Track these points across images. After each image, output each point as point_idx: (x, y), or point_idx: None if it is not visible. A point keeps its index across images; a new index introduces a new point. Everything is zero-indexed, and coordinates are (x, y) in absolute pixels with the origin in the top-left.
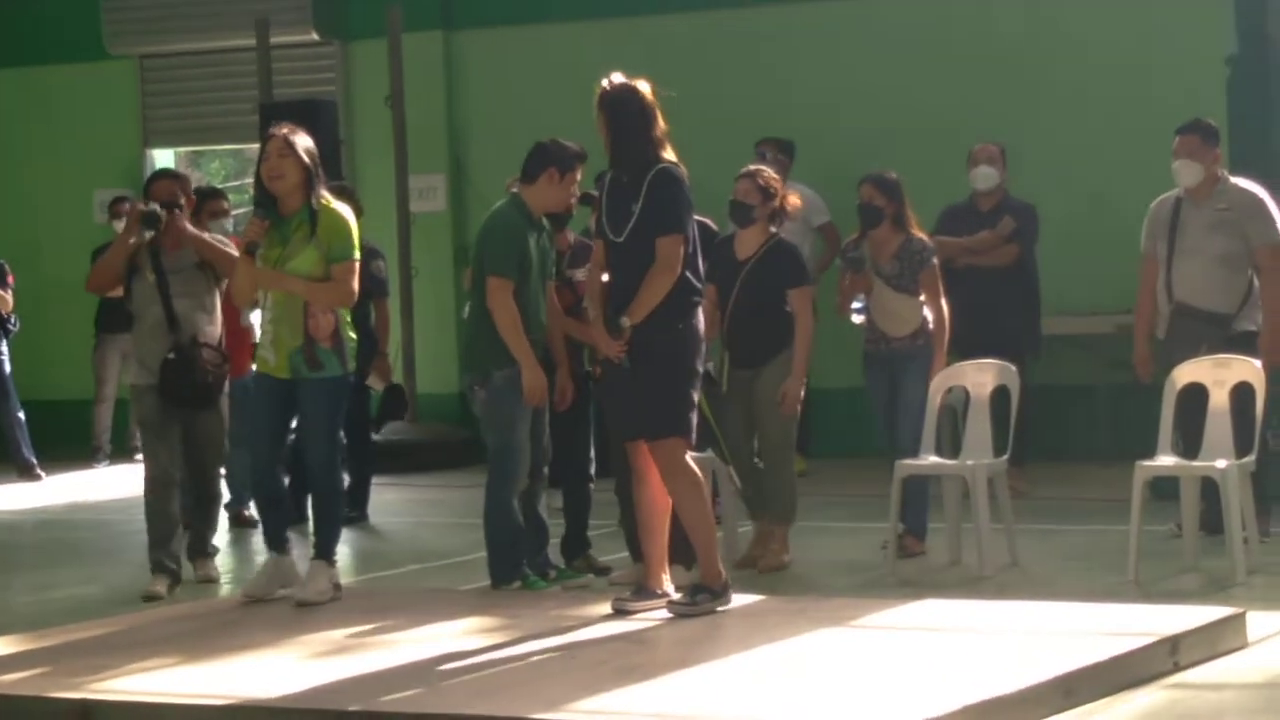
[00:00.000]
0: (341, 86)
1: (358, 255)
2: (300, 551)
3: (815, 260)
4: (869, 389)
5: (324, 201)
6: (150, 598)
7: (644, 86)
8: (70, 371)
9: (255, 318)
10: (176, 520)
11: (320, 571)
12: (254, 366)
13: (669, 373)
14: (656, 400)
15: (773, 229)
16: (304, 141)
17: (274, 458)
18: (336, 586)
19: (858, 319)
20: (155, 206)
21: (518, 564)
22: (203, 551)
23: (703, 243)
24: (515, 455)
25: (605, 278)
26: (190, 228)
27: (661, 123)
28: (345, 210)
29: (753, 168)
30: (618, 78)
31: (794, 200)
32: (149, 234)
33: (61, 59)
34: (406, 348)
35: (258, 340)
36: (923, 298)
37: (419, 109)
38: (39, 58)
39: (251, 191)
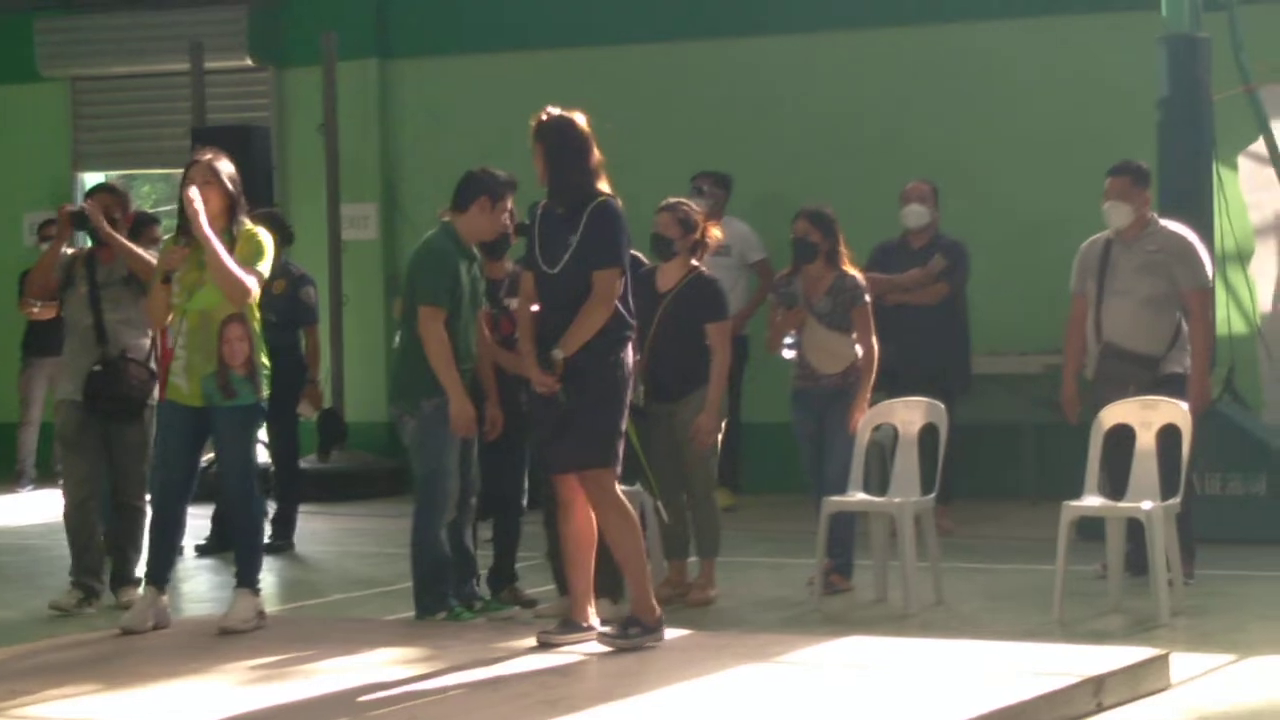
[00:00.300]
0: (275, 113)
1: (264, 271)
2: (223, 579)
3: (749, 297)
4: (795, 425)
5: (245, 228)
6: (55, 607)
7: (580, 118)
8: None
9: None
10: (95, 536)
11: (243, 599)
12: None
13: (599, 405)
14: (586, 432)
15: (694, 262)
16: (227, 168)
17: (184, 492)
18: (261, 614)
19: (788, 354)
20: (83, 205)
21: (443, 595)
22: (126, 578)
23: (632, 277)
24: (443, 485)
25: (534, 309)
26: (115, 234)
27: (598, 154)
28: (264, 235)
29: (673, 200)
30: (554, 110)
31: (715, 234)
32: (84, 239)
33: None
34: (336, 376)
35: (172, 366)
36: (854, 335)
37: (352, 137)
38: None
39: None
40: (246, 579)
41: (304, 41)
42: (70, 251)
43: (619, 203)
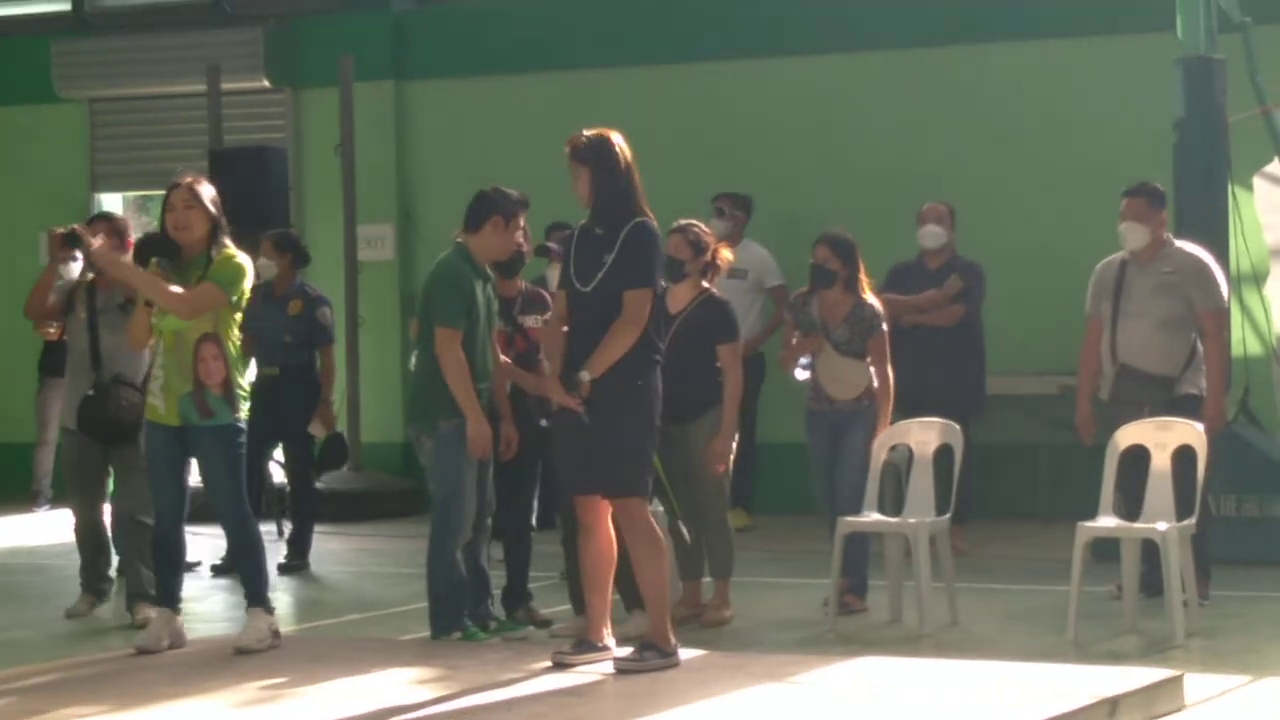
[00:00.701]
0: (292, 134)
1: (232, 295)
2: (237, 598)
3: (765, 322)
4: (810, 446)
5: (225, 251)
6: (70, 615)
7: (618, 137)
8: (13, 414)
9: None
10: (104, 546)
11: (256, 618)
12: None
13: (629, 430)
14: (618, 458)
15: (705, 284)
16: (209, 192)
17: (179, 512)
18: (275, 633)
19: (802, 375)
20: (73, 227)
21: (458, 615)
22: (141, 594)
23: None
24: (460, 506)
25: (564, 329)
26: (101, 250)
27: (638, 175)
28: (244, 259)
29: (684, 222)
30: (590, 131)
31: (726, 255)
32: (80, 262)
33: (10, 101)
34: (351, 397)
35: (149, 387)
36: (870, 363)
37: (369, 158)
38: None
39: None
40: (256, 598)
41: (321, 63)
42: (74, 277)
43: (655, 224)
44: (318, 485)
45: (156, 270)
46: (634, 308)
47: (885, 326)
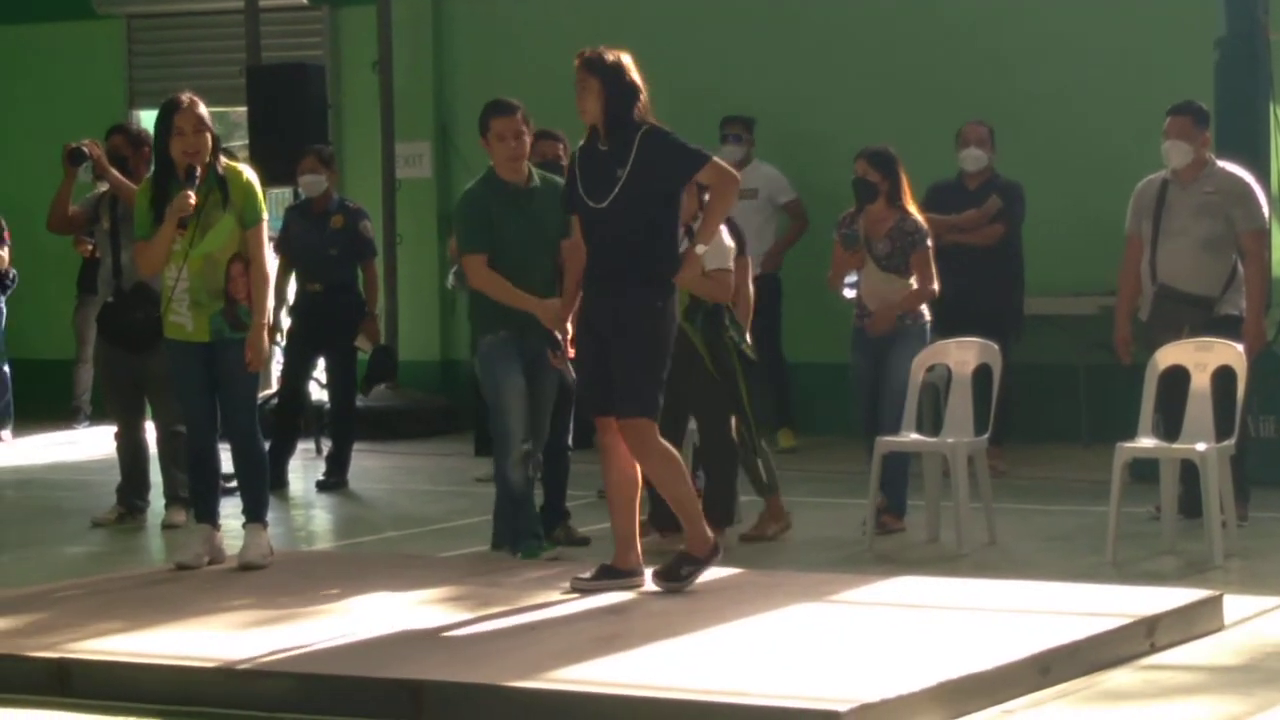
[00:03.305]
0: (329, 51)
1: (265, 215)
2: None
3: (781, 237)
4: (852, 365)
5: (236, 173)
6: (95, 523)
7: (629, 58)
8: (53, 332)
9: None
10: (141, 457)
11: (257, 534)
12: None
13: (645, 352)
14: (630, 380)
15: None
16: (205, 110)
17: (210, 428)
18: (270, 550)
19: (849, 294)
20: (81, 144)
21: (506, 530)
22: (174, 498)
23: None
24: (502, 422)
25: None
26: (110, 169)
27: (646, 97)
28: (249, 171)
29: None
30: (603, 48)
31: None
32: (90, 173)
33: (49, 18)
34: (390, 315)
35: (169, 307)
36: (914, 279)
37: (407, 75)
38: (25, 15)
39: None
40: (257, 514)
41: None
42: (102, 189)
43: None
44: (360, 402)
45: (186, 194)
46: (719, 172)
47: (930, 242)
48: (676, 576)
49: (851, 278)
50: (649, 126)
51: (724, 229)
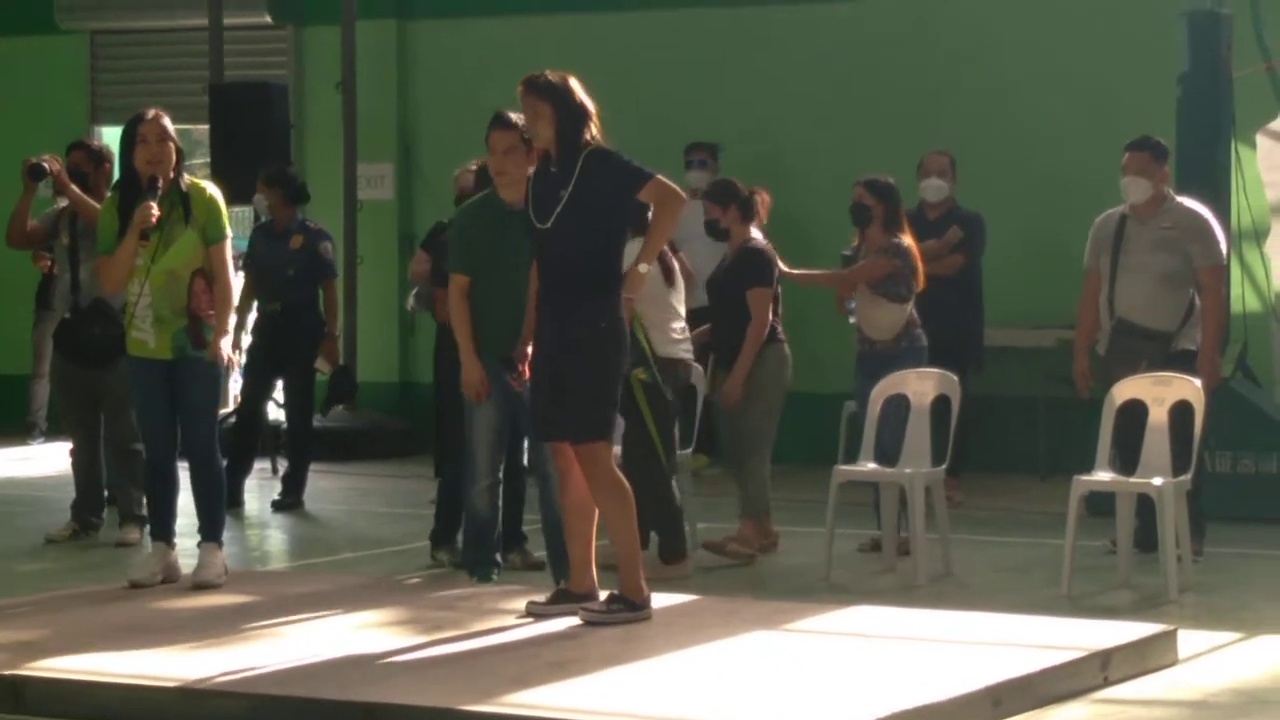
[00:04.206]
0: (293, 70)
1: (229, 232)
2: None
3: None
4: (857, 389)
5: (199, 188)
6: (49, 539)
7: (575, 82)
8: (10, 347)
9: None
10: (96, 474)
11: (213, 553)
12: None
13: (592, 373)
14: (579, 403)
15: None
16: (170, 124)
17: (170, 446)
18: (225, 569)
19: (852, 319)
20: (42, 159)
21: (469, 555)
22: (130, 515)
23: None
24: (472, 450)
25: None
26: (71, 186)
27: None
28: (213, 188)
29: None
30: (549, 72)
31: (767, 198)
32: (50, 189)
33: (11, 32)
34: (349, 336)
35: (131, 323)
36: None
37: (370, 97)
38: None
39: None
40: (214, 533)
41: (324, 0)
42: (62, 205)
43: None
44: (317, 423)
45: (149, 206)
46: (661, 188)
47: (919, 279)
48: (605, 610)
49: (851, 303)
50: (594, 147)
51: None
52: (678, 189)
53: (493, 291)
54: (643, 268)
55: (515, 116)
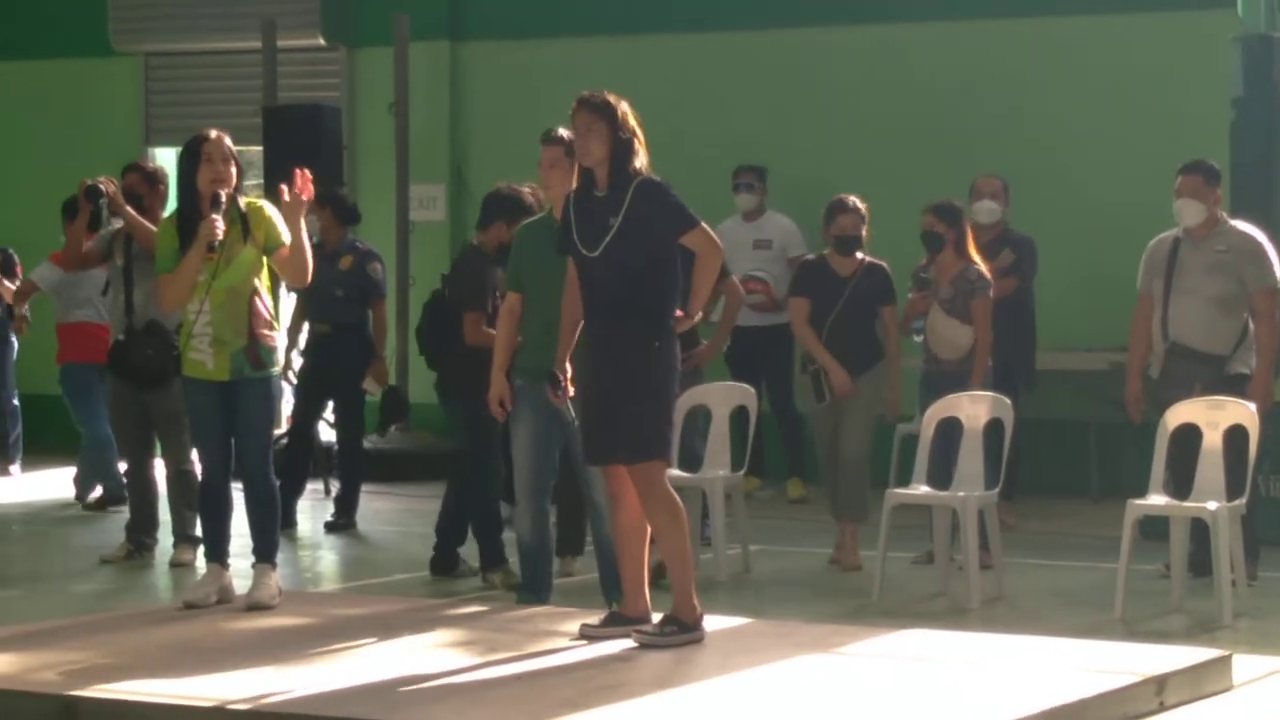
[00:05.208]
0: (346, 92)
1: (289, 239)
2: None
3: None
4: (920, 408)
5: (251, 202)
6: (103, 560)
7: (627, 104)
8: None
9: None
10: (150, 495)
11: (267, 574)
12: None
13: (646, 395)
14: (634, 423)
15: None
16: (232, 143)
17: (226, 467)
18: (280, 590)
19: (917, 338)
20: (98, 181)
21: (525, 581)
22: (184, 536)
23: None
24: (515, 474)
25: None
26: (126, 207)
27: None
28: (270, 206)
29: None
30: (605, 92)
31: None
32: (105, 210)
33: (66, 53)
34: (400, 357)
35: (189, 344)
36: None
37: (422, 118)
38: (43, 51)
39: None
40: (268, 555)
41: (376, 22)
42: (116, 227)
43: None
44: (366, 444)
45: (214, 219)
46: (704, 241)
47: (990, 292)
48: (658, 633)
49: (917, 323)
50: (644, 178)
51: None
52: (718, 241)
53: (540, 306)
54: (696, 319)
55: (563, 132)
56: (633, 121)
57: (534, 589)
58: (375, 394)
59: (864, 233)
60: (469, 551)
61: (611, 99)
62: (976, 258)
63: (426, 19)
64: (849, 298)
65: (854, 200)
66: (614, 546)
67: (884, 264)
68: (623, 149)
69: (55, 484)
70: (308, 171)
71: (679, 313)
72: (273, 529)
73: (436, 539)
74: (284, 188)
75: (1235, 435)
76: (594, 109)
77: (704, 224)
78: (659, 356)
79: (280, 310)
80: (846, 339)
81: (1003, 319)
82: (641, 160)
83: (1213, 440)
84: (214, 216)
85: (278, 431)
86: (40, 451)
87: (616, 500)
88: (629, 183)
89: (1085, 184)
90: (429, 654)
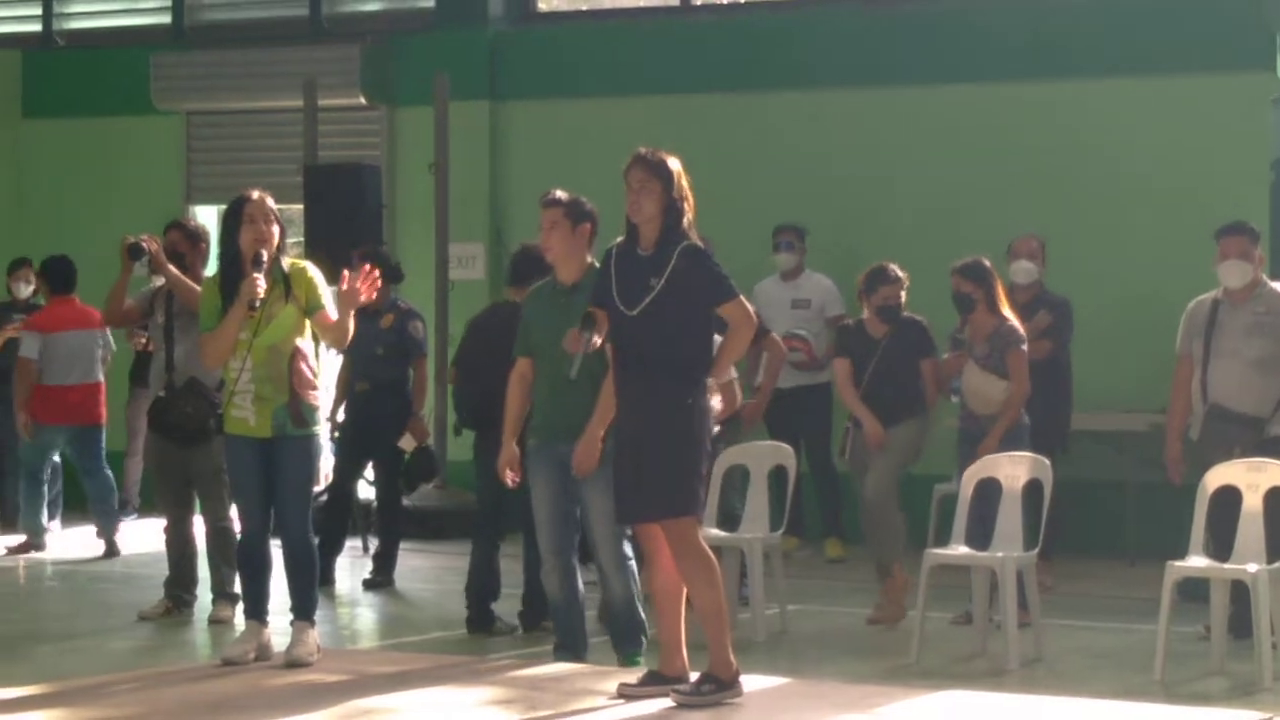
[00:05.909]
0: (386, 151)
1: (329, 301)
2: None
3: (829, 348)
4: (960, 465)
5: (298, 267)
6: (142, 616)
7: (679, 165)
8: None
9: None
10: (189, 551)
11: (305, 631)
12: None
13: (677, 450)
14: (667, 479)
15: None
16: (274, 203)
17: (265, 524)
18: (317, 648)
19: (954, 398)
20: (140, 239)
21: (562, 635)
22: (222, 593)
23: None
24: (537, 533)
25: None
26: (169, 266)
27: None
28: (313, 268)
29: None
30: (659, 151)
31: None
32: (146, 267)
33: (109, 112)
34: (439, 415)
35: (231, 402)
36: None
37: (462, 177)
38: (86, 109)
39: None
40: (306, 612)
41: (416, 81)
42: (158, 284)
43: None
44: (404, 502)
45: (256, 278)
46: (740, 313)
47: (1025, 346)
48: (697, 694)
49: (954, 382)
50: (689, 244)
51: None
52: (753, 316)
53: (544, 371)
54: (718, 380)
55: (560, 194)
56: (685, 183)
57: (570, 646)
58: (409, 452)
59: (903, 299)
60: (506, 608)
61: (668, 159)
62: (1009, 313)
63: (466, 79)
64: (882, 354)
65: (894, 269)
66: (625, 606)
67: (920, 319)
68: (674, 210)
69: (95, 541)
70: (377, 273)
71: None
72: (311, 586)
73: (467, 598)
74: (346, 274)
75: (1275, 497)
76: (649, 168)
77: (741, 297)
78: (691, 413)
79: (323, 369)
80: (882, 391)
81: (1037, 381)
82: (688, 221)
83: (1253, 502)
84: (255, 275)
85: (317, 489)
86: (78, 509)
87: (651, 560)
88: (675, 245)
89: (1123, 245)
90: (467, 712)
